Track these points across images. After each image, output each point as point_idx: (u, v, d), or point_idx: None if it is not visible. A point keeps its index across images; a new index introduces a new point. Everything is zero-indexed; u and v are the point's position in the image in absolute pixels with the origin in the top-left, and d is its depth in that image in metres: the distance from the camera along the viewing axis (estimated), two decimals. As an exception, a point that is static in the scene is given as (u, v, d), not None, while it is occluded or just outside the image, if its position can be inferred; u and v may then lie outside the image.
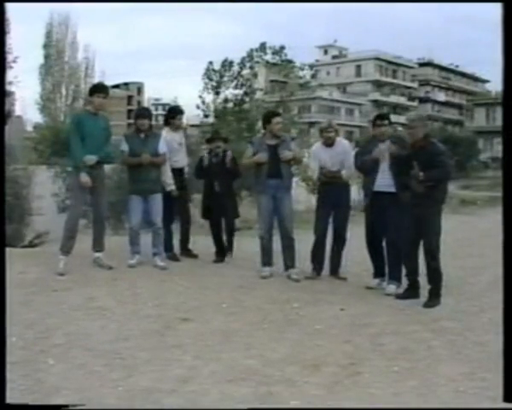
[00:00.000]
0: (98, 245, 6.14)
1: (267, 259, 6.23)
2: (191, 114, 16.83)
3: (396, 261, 5.62)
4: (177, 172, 6.66)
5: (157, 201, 6.27)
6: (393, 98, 69.88)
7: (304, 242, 6.37)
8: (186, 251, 6.96)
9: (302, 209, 14.54)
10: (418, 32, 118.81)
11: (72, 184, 5.77)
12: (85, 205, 6.41)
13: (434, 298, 5.18)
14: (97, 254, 6.13)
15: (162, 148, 6.30)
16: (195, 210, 7.35)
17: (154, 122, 6.87)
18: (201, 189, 7.10)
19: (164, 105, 77.38)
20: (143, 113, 6.52)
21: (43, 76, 40.94)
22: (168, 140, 6.54)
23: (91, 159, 5.76)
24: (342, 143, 6.42)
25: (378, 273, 5.95)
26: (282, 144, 6.11)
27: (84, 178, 5.74)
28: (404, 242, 5.36)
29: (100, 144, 5.92)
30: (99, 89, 6.12)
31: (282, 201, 6.13)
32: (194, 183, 7.37)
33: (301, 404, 3.13)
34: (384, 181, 5.63)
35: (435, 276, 5.21)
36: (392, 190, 5.56)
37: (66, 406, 2.92)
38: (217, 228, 6.90)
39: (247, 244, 7.49)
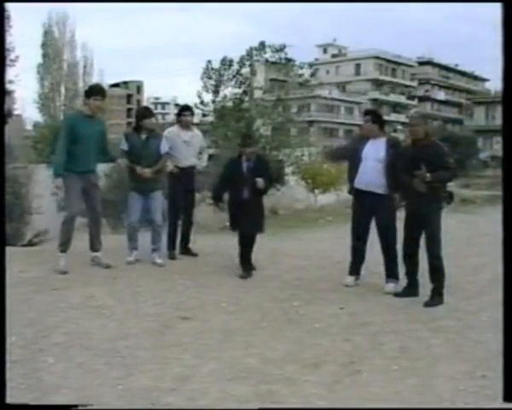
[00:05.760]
0: (95, 245, 6.13)
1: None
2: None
3: (391, 259, 5.61)
4: (183, 171, 6.61)
5: (157, 198, 6.30)
6: (393, 97, 69.87)
7: (303, 240, 6.36)
8: (186, 250, 6.96)
9: (301, 208, 14.60)
10: (418, 30, 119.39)
11: (65, 187, 5.71)
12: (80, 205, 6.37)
13: (437, 297, 5.17)
14: (95, 254, 6.13)
15: (164, 148, 6.29)
16: (196, 210, 7.35)
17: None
18: (200, 189, 7.04)
19: (163, 104, 77.44)
20: (149, 112, 6.46)
21: (41, 75, 40.92)
22: (172, 136, 6.53)
23: (59, 182, 5.66)
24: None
25: (353, 271, 5.86)
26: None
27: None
28: (405, 242, 5.36)
29: (95, 147, 5.87)
30: (96, 91, 5.92)
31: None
32: (197, 184, 7.27)
33: (301, 403, 3.13)
34: (366, 179, 5.53)
35: (438, 275, 5.20)
36: (375, 190, 5.47)
37: (76, 406, 2.91)
38: (246, 241, 6.13)
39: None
